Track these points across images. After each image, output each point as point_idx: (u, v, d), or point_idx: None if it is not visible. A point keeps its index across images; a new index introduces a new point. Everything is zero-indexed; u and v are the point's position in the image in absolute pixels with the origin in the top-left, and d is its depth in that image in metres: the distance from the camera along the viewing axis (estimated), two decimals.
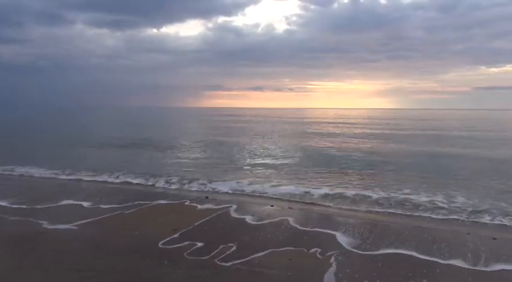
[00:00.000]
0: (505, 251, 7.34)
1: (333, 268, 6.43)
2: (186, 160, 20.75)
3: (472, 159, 21.64)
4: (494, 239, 8.13)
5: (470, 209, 10.85)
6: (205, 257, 6.84)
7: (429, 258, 6.93)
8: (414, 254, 7.17)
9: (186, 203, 10.78)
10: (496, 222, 9.74)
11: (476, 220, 9.89)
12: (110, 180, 14.91)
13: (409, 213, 10.52)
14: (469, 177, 15.58)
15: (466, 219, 9.96)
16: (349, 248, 7.47)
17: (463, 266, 6.63)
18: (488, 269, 6.50)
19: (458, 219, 9.94)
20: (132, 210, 10.12)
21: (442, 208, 10.94)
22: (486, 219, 9.97)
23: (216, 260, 6.70)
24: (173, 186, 13.81)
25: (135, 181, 14.69)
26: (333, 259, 6.83)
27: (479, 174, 16.32)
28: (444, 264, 6.70)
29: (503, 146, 28.80)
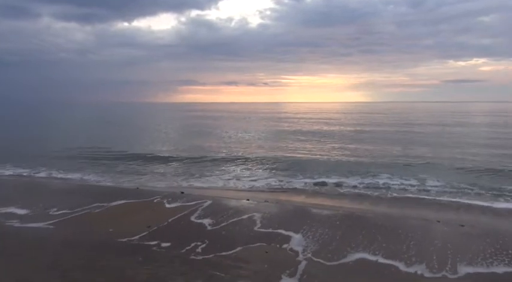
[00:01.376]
0: (472, 245, 7.13)
1: None
2: (162, 156, 20.34)
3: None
4: (462, 226, 8.37)
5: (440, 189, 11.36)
6: (180, 252, 6.68)
7: (393, 264, 6.28)
8: (380, 259, 6.48)
9: (161, 199, 10.50)
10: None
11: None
12: (79, 177, 14.50)
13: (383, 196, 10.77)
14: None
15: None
16: (307, 256, 6.61)
17: (429, 275, 5.93)
18: (455, 276, 5.89)
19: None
20: (108, 207, 9.78)
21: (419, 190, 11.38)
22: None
23: (190, 256, 6.55)
24: (148, 183, 13.54)
25: (105, 179, 14.30)
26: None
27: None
28: (408, 272, 6.02)
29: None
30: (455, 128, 38.72)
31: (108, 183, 13.85)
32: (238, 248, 6.87)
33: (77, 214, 9.17)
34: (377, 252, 6.70)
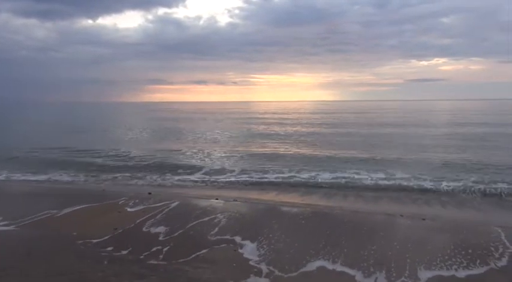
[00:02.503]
0: (433, 244, 7.15)
1: None
2: (130, 156, 19.85)
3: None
4: (424, 219, 8.69)
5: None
6: (142, 256, 6.54)
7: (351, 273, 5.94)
8: (339, 267, 6.13)
9: (127, 201, 10.24)
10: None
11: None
12: (37, 179, 13.96)
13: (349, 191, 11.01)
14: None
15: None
16: (262, 267, 6.14)
17: None
18: None
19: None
20: (71, 210, 9.44)
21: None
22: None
23: (151, 260, 6.41)
24: (114, 184, 13.22)
25: (68, 180, 13.84)
26: None
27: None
28: None
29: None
30: (419, 127, 40.07)
31: (72, 185, 13.39)
32: (193, 256, 6.57)
33: (38, 218, 8.79)
34: (336, 260, 6.33)
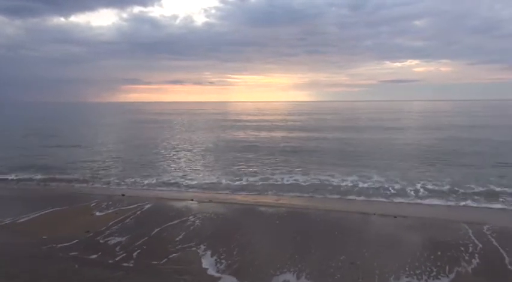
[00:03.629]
0: (405, 248, 7.10)
1: None
2: (102, 158, 19.40)
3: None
4: (395, 217, 8.92)
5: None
6: (113, 259, 6.42)
7: None
8: None
9: (100, 203, 10.02)
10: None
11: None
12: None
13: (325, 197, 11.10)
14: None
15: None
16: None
17: None
18: None
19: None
20: (41, 213, 9.16)
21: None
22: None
23: (123, 263, 6.30)
24: (87, 185, 12.92)
25: (39, 182, 13.43)
26: None
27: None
28: None
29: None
30: (396, 128, 40.98)
31: (41, 188, 12.95)
32: (164, 260, 6.47)
33: (5, 222, 8.49)
34: (301, 274, 5.87)
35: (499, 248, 6.87)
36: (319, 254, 6.69)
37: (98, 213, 9.14)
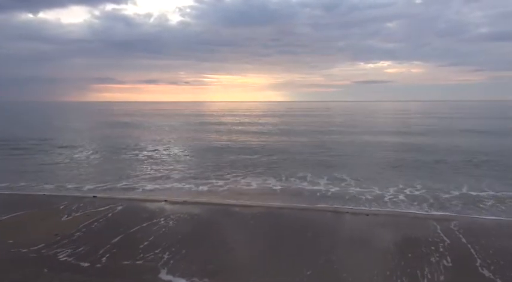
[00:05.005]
0: (377, 241, 7.47)
1: None
2: (65, 161, 18.85)
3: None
4: (367, 215, 9.13)
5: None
6: (86, 262, 6.28)
7: None
8: None
9: (70, 205, 9.75)
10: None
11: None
12: None
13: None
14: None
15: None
16: None
17: None
18: None
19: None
20: (7, 217, 8.84)
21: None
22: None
23: (97, 265, 6.18)
24: (56, 187, 12.52)
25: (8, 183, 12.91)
26: None
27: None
28: None
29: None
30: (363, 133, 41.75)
31: (7, 190, 12.43)
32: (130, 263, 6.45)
33: None
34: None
35: (465, 242, 7.15)
36: (293, 253, 6.73)
37: (67, 216, 8.89)
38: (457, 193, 11.57)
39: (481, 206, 10.27)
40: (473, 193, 11.56)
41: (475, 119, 55.27)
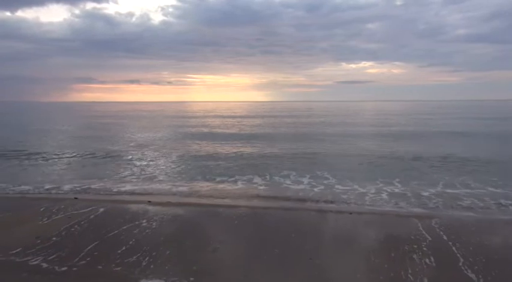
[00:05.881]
0: (362, 240, 7.94)
1: None
2: (44, 162, 18.45)
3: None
4: (351, 213, 9.25)
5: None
6: (68, 266, 6.15)
7: None
8: None
9: (51, 208, 9.52)
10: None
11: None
12: None
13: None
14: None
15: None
16: None
17: None
18: None
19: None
20: None
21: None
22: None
23: (79, 269, 6.06)
24: (35, 188, 12.24)
25: None
26: None
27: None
28: None
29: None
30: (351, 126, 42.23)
31: None
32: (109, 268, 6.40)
33: None
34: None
35: (446, 239, 7.31)
36: (278, 253, 6.73)
37: (48, 219, 8.68)
38: (434, 190, 11.88)
39: (460, 203, 10.57)
40: (451, 190, 11.92)
41: (453, 119, 56.53)
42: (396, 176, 14.02)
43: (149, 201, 10.21)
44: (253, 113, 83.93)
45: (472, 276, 5.78)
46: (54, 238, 7.38)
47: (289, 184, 13.07)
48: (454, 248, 6.87)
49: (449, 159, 17.85)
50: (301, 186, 12.65)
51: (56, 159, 18.62)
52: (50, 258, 6.43)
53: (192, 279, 5.71)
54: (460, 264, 6.21)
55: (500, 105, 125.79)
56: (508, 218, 9.25)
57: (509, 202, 10.63)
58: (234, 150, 21.58)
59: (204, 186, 12.85)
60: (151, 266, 6.12)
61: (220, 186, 12.89)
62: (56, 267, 6.08)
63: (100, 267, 6.11)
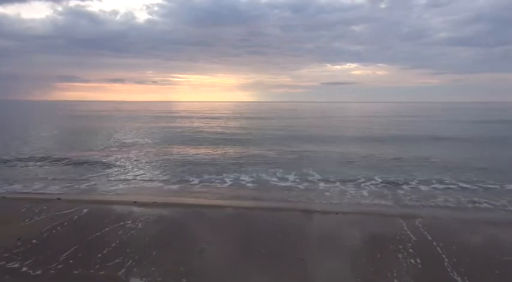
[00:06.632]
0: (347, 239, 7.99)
1: None
2: (35, 157, 18.05)
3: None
4: (337, 213, 9.31)
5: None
6: (49, 268, 6.02)
7: None
8: None
9: (33, 208, 9.29)
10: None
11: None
12: None
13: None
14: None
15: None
16: None
17: None
18: None
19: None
20: None
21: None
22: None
23: (60, 271, 5.94)
24: (18, 189, 11.97)
25: None
26: None
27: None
28: None
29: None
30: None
31: None
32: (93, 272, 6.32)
33: None
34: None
35: (430, 239, 7.42)
36: (264, 253, 6.73)
37: (30, 219, 8.48)
38: (415, 188, 12.41)
39: (440, 202, 10.88)
40: (427, 188, 12.49)
41: (434, 122, 57.53)
42: (377, 173, 14.45)
43: (134, 202, 10.08)
44: (238, 114, 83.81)
45: (456, 275, 5.88)
46: (35, 240, 7.20)
47: (276, 181, 13.25)
48: (438, 248, 6.97)
49: (430, 159, 18.28)
50: (288, 184, 12.86)
51: (37, 161, 18.21)
52: (29, 261, 6.27)
53: (178, 280, 5.65)
54: (444, 262, 6.31)
55: (481, 108, 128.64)
56: (486, 217, 9.49)
57: (484, 201, 11.10)
58: (219, 151, 21.51)
59: (190, 186, 12.78)
60: (135, 269, 6.03)
61: (207, 185, 12.87)
62: (36, 270, 5.94)
63: (82, 269, 5.99)
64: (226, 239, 7.54)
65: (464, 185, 12.87)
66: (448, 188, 12.53)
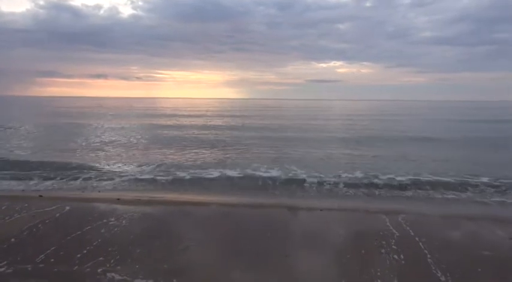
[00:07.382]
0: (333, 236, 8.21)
1: None
2: (16, 154, 17.64)
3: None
4: (321, 210, 9.34)
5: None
6: (30, 265, 5.92)
7: None
8: None
9: (12, 206, 9.05)
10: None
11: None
12: None
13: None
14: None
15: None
16: None
17: None
18: None
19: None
20: None
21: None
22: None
23: (40, 271, 5.80)
24: None
25: None
26: None
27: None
28: None
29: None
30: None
31: None
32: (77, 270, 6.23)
33: None
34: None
35: (413, 234, 7.53)
36: (249, 251, 6.73)
37: (11, 217, 8.28)
38: (395, 184, 12.70)
39: (422, 199, 11.17)
40: (410, 185, 12.71)
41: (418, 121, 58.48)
42: (358, 168, 14.89)
43: (118, 199, 9.94)
44: (226, 112, 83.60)
45: (440, 273, 5.97)
46: (14, 238, 7.03)
47: (261, 173, 13.63)
48: (421, 244, 7.08)
49: (408, 156, 18.67)
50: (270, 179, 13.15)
51: (17, 157, 17.82)
52: (8, 260, 6.12)
53: (162, 278, 5.60)
54: (427, 257, 6.42)
55: (463, 107, 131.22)
56: (466, 212, 9.71)
57: (464, 196, 11.54)
58: (204, 150, 21.43)
59: (175, 182, 12.73)
60: (118, 267, 5.95)
61: (192, 182, 12.87)
62: (15, 269, 5.80)
63: (64, 267, 5.87)
64: (211, 236, 7.48)
65: (446, 179, 13.21)
66: (429, 183, 12.79)
